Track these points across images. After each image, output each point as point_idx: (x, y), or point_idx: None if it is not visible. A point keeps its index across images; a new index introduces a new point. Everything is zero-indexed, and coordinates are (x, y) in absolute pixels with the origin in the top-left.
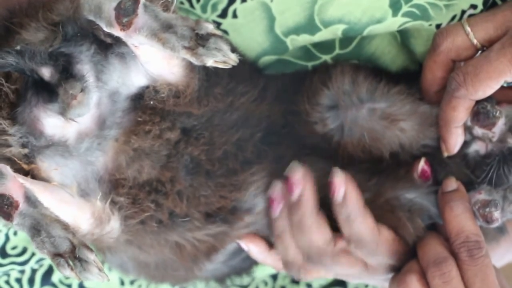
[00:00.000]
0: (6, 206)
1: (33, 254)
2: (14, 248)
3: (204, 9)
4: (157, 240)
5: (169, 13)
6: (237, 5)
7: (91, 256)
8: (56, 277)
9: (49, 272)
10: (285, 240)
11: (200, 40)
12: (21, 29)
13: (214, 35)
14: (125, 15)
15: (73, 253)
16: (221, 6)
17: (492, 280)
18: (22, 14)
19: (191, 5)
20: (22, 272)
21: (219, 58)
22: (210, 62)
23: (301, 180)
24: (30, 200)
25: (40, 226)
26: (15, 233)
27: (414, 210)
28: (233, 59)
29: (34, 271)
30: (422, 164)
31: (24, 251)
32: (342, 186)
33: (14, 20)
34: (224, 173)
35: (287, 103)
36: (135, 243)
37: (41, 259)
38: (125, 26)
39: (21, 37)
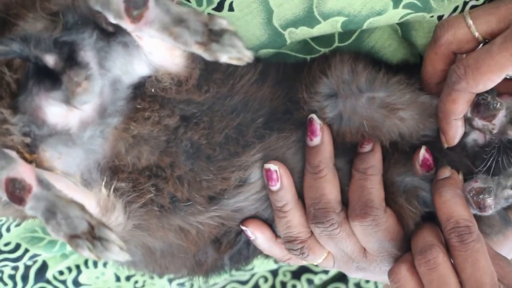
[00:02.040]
0: (18, 190)
1: (26, 251)
2: (7, 244)
3: (199, 2)
4: (161, 224)
5: (180, 7)
6: None
7: (112, 235)
8: (50, 273)
9: (43, 268)
10: (287, 212)
11: (213, 36)
12: (18, 20)
13: (228, 31)
14: (135, 7)
15: (91, 234)
16: None
17: (484, 265)
18: (19, 5)
19: None
20: (16, 268)
21: (234, 55)
22: (224, 59)
23: (323, 126)
24: (43, 182)
25: (56, 208)
26: (7, 230)
27: (409, 192)
28: (247, 56)
29: (27, 268)
30: (423, 152)
31: (17, 247)
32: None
33: (10, 12)
34: (225, 157)
35: (288, 89)
36: (142, 227)
37: (34, 256)
38: (135, 19)
39: (19, 28)
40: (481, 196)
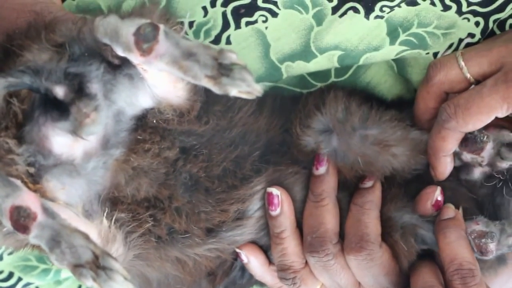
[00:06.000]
0: (23, 218)
1: (19, 279)
2: (0, 273)
3: (197, 35)
4: (159, 254)
5: (189, 40)
6: (231, 31)
7: (116, 264)
8: None
9: None
10: (284, 239)
11: (222, 70)
12: (23, 51)
13: (237, 65)
14: (145, 41)
15: (95, 263)
16: (214, 32)
17: None
18: (23, 36)
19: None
20: None
21: (244, 89)
22: (233, 92)
23: (328, 158)
24: (48, 211)
25: (60, 237)
26: (0, 258)
27: (407, 229)
28: (257, 90)
29: None
30: (437, 194)
31: (10, 276)
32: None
33: (14, 42)
34: (224, 190)
35: (284, 120)
36: (141, 256)
37: (28, 284)
38: (145, 52)
39: (24, 59)
40: (483, 240)
